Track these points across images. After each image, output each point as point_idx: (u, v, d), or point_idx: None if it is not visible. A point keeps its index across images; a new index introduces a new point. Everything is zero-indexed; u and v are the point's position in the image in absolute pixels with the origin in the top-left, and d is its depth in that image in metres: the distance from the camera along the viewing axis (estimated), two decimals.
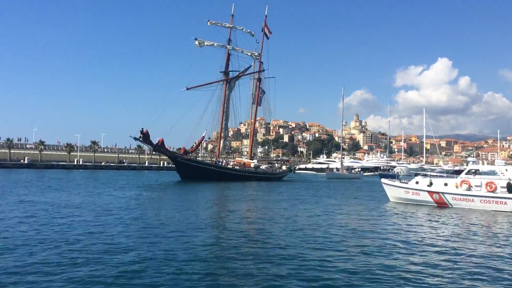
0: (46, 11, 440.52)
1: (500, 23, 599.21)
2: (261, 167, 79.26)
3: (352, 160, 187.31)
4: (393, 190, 36.37)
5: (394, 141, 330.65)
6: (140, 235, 17.70)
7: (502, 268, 13.87)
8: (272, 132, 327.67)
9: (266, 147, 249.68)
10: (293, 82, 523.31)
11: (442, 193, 32.92)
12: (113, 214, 23.80)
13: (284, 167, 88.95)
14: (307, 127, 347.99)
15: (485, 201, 31.28)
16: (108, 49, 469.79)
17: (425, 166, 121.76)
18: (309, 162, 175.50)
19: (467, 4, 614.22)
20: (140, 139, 60.33)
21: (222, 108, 74.41)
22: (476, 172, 33.14)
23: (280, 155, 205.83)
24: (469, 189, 32.11)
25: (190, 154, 70.59)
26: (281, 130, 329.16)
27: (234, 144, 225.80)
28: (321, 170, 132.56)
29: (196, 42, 72.50)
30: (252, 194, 42.62)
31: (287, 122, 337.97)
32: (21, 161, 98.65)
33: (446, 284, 11.85)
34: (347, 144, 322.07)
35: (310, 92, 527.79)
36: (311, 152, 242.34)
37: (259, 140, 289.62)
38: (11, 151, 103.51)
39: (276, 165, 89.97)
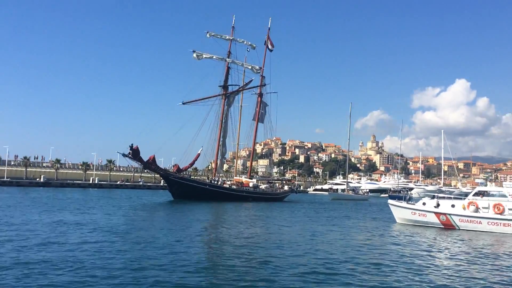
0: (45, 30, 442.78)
1: None
2: (260, 186, 76.25)
3: (369, 181, 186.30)
4: (399, 211, 36.00)
5: (411, 163, 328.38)
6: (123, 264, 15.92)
7: None
8: (288, 153, 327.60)
9: (282, 167, 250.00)
10: (306, 100, 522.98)
11: (449, 214, 32.53)
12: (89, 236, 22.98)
13: (286, 187, 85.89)
14: (323, 147, 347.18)
15: (493, 223, 30.85)
16: (105, 62, 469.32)
17: (443, 188, 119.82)
18: (325, 183, 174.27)
19: (484, 26, 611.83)
20: (130, 155, 56.63)
21: (220, 124, 71.68)
22: (484, 194, 32.79)
23: (296, 175, 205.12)
24: (476, 210, 31.69)
25: (184, 172, 67.08)
26: (297, 150, 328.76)
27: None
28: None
29: (194, 55, 70.07)
30: (245, 215, 40.34)
31: (303, 142, 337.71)
32: (37, 179, 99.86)
33: None
34: (363, 165, 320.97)
35: (326, 112, 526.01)
36: (327, 172, 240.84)
37: (275, 160, 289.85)
38: (27, 169, 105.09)
39: (277, 185, 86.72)
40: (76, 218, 30.59)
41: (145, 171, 63.66)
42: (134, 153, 56.59)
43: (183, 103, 70.09)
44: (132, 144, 56.26)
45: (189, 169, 77.37)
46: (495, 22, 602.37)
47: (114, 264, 15.27)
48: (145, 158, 59.24)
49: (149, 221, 31.61)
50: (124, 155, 57.01)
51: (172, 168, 68.91)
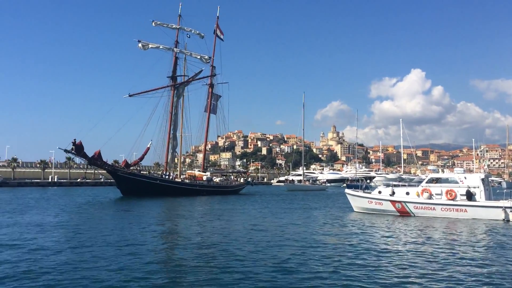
0: None
1: (469, 34, 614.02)
2: (214, 180, 74.46)
3: (331, 171, 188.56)
4: (356, 200, 36.56)
5: (371, 152, 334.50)
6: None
7: (455, 276, 14.06)
8: (250, 145, 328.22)
9: (245, 160, 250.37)
10: (265, 92, 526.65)
11: (404, 202, 33.22)
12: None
13: (242, 180, 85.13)
14: (285, 139, 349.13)
15: (446, 209, 31.64)
16: (47, 57, 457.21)
17: (404, 176, 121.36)
18: (289, 174, 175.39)
19: (437, 17, 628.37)
20: (73, 151, 53.73)
21: (169, 116, 69.03)
22: (436, 181, 33.63)
23: (259, 168, 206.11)
24: (430, 197, 32.44)
25: (133, 168, 64.52)
26: (259, 142, 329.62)
27: (212, 157, 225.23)
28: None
29: (140, 45, 67.40)
30: (197, 210, 38.80)
31: (265, 134, 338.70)
32: None
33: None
34: (325, 155, 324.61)
35: (286, 104, 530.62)
36: (290, 164, 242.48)
37: (238, 153, 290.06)
38: None
39: (232, 177, 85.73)
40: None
41: (92, 167, 61.10)
42: (78, 149, 53.63)
43: (130, 95, 67.65)
44: (75, 139, 53.35)
45: (140, 163, 74.72)
46: (447, 14, 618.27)
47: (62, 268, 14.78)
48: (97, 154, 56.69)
49: (93, 222, 28.31)
50: (66, 150, 54.13)
51: (121, 163, 65.29)
